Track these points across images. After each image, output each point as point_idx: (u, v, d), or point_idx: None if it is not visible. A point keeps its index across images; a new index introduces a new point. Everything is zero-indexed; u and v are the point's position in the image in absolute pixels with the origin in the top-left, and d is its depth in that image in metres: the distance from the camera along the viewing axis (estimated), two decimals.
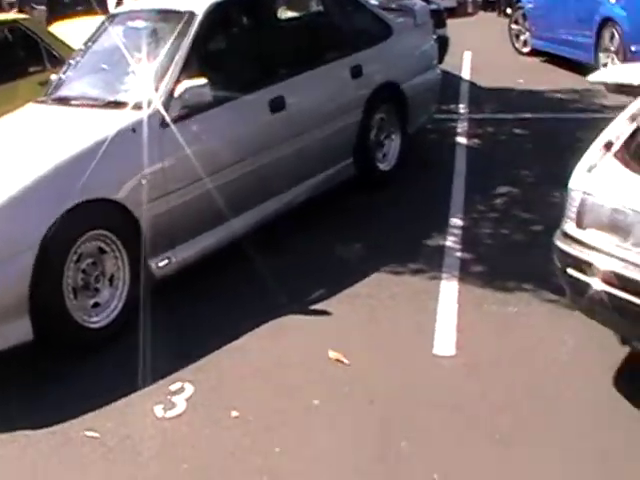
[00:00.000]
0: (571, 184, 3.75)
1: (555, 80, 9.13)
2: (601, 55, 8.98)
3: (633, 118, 4.02)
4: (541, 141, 6.80)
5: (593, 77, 4.40)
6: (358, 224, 5.62)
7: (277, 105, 5.29)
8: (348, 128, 5.91)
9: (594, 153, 3.86)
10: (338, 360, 4.03)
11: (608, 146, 3.87)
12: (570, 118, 7.11)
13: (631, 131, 3.93)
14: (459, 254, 5.11)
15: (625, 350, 3.82)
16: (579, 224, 3.66)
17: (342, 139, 5.87)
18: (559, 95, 8.39)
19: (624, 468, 3.23)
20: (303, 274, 4.93)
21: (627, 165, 3.72)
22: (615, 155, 3.80)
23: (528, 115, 7.68)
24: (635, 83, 4.51)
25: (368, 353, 4.10)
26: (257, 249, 4.92)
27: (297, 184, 5.48)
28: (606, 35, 8.86)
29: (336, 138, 5.78)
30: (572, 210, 3.71)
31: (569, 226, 3.71)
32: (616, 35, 8.66)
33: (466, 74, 9.81)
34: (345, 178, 5.88)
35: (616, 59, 8.61)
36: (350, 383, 3.86)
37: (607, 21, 8.83)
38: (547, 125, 7.29)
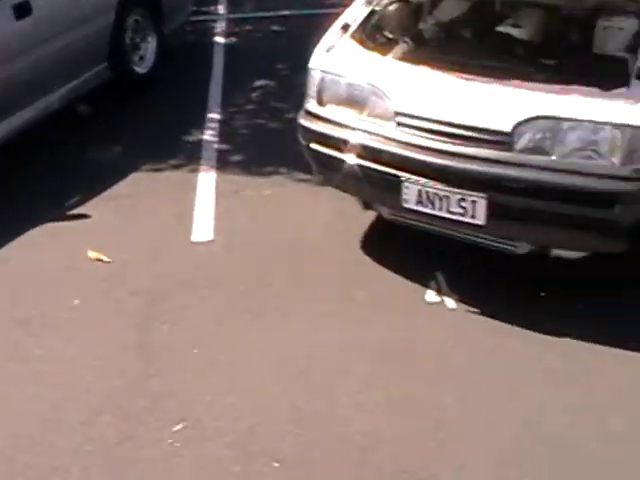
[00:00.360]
0: (311, 64, 3.89)
1: None
2: None
3: (369, 2, 4.20)
4: (297, 36, 6.87)
5: None
6: (116, 128, 5.48)
7: (22, 11, 4.94)
8: (101, 31, 5.66)
9: (332, 35, 4.00)
10: (98, 259, 4.00)
11: (345, 28, 4.02)
12: (325, 13, 7.18)
13: (366, 13, 4.10)
14: (217, 146, 5.16)
15: (371, 216, 4.07)
16: (320, 101, 3.82)
17: (95, 43, 5.62)
18: None
19: (339, 324, 3.49)
20: (59, 181, 4.78)
21: (362, 44, 3.90)
22: (352, 36, 3.97)
23: (285, 12, 7.73)
24: None
25: (128, 249, 4.10)
26: (6, 162, 4.73)
27: (49, 93, 5.23)
28: None
29: (89, 42, 5.52)
30: (313, 89, 3.86)
31: (311, 104, 3.86)
32: None
33: None
34: (100, 83, 5.68)
35: None
36: (111, 279, 3.86)
37: None
38: (303, 21, 7.36)
